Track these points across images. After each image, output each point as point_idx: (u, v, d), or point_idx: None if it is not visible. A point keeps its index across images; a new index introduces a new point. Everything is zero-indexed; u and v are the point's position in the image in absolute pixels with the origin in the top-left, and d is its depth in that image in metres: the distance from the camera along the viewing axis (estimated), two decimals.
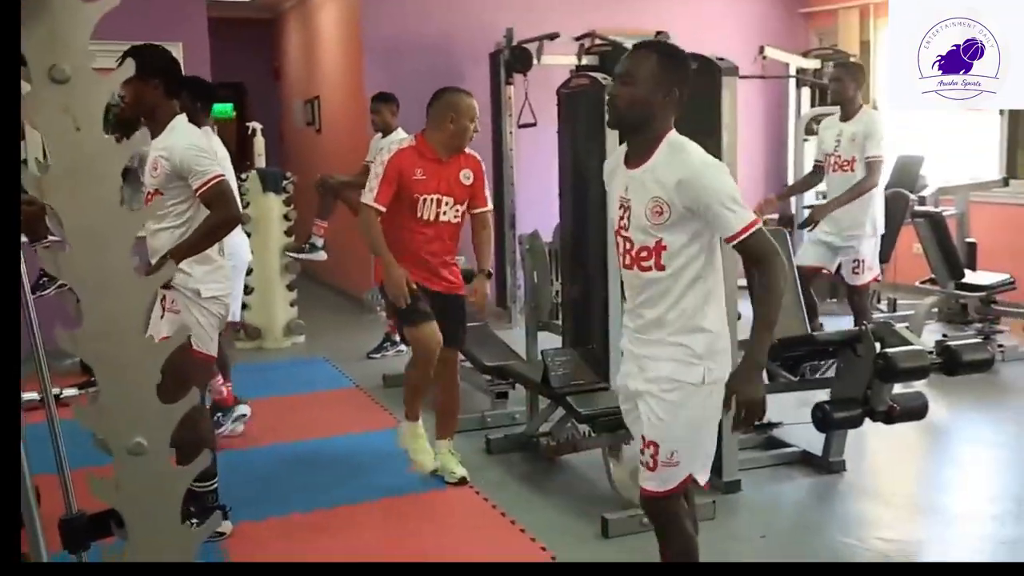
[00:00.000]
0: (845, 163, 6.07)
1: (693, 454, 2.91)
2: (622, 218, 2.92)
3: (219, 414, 5.56)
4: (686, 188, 2.74)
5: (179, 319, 4.03)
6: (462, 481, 4.76)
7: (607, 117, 2.97)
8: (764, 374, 2.72)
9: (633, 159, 2.91)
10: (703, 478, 2.99)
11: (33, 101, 1.75)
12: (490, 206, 4.92)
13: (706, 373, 2.84)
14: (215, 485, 4.21)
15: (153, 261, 4.07)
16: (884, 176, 6.68)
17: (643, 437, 2.91)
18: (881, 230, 6.19)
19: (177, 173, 3.97)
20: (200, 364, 4.08)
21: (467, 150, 4.77)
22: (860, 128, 6.04)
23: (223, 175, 4.03)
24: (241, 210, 4.18)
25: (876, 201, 6.11)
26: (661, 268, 2.83)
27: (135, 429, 1.77)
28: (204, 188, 3.94)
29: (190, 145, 3.97)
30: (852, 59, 7.92)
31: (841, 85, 6.23)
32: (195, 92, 5.33)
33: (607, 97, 2.97)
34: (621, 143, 3.05)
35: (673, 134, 2.88)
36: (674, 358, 2.85)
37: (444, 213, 4.66)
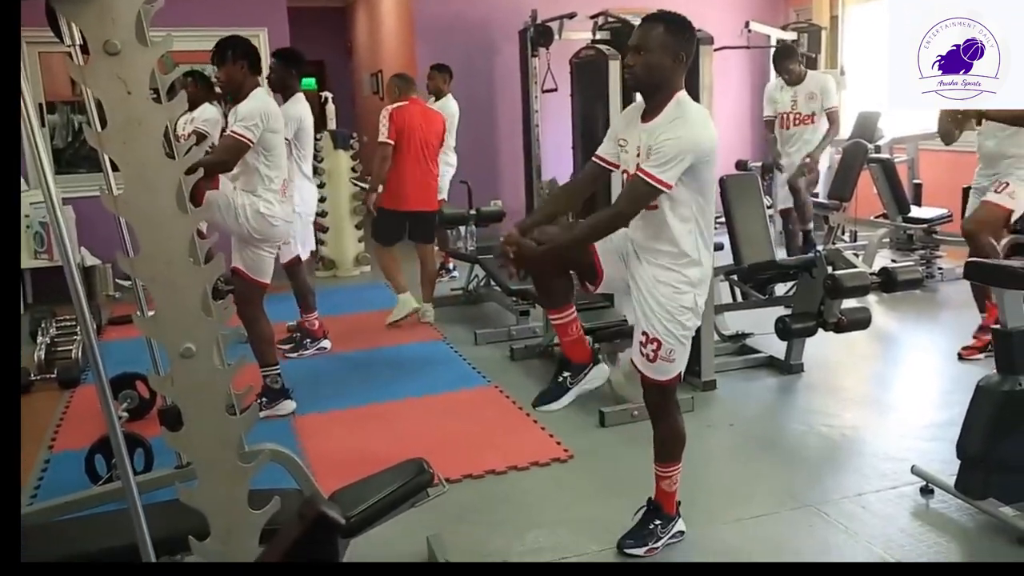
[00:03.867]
0: (807, 117, 6.06)
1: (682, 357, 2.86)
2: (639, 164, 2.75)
3: (307, 340, 5.52)
4: (666, 133, 2.65)
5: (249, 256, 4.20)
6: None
7: (628, 81, 2.80)
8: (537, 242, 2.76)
9: (648, 115, 2.77)
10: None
11: (91, 70, 1.74)
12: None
13: (696, 298, 2.79)
14: (278, 371, 4.36)
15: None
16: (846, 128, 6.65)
17: (646, 335, 2.82)
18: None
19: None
20: (254, 286, 4.22)
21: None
22: (813, 88, 6.23)
23: (247, 137, 3.98)
24: (233, 168, 4.06)
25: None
26: (655, 207, 2.73)
27: (185, 336, 1.78)
28: (226, 134, 4.08)
29: (250, 108, 4.05)
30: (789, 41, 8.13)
31: (782, 63, 6.25)
32: (288, 61, 5.36)
33: (626, 65, 2.78)
34: (632, 103, 2.92)
35: (682, 93, 2.74)
36: (669, 283, 2.77)
37: None
